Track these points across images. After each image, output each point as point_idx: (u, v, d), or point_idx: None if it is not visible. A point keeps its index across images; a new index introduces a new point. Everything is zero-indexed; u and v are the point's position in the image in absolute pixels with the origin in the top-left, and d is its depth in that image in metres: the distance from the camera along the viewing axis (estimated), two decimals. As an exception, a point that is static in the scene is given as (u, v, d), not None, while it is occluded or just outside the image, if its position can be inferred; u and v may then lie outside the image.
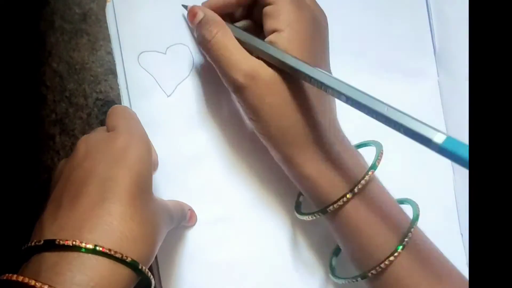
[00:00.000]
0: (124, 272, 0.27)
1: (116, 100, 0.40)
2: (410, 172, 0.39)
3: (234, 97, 0.35)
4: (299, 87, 0.32)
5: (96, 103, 0.40)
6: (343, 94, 0.28)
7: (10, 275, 0.26)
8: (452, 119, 0.40)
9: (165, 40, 0.38)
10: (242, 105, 0.33)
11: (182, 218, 0.36)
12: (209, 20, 0.34)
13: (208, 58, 0.34)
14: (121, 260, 0.27)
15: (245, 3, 0.34)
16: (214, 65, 0.33)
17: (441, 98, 0.40)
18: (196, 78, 0.39)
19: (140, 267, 0.28)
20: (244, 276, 0.38)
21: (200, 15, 0.34)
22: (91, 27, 0.40)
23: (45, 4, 0.40)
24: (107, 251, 0.27)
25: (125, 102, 0.38)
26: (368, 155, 0.35)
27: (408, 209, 0.34)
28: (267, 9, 0.32)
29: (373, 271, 0.32)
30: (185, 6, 0.37)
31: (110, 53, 0.40)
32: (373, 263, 0.32)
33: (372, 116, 0.28)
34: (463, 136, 0.39)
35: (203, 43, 0.33)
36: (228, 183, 0.39)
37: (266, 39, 0.32)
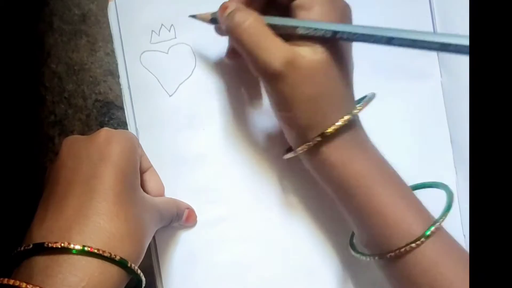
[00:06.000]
0: (113, 270, 0.28)
1: (115, 101, 0.40)
2: (412, 173, 0.39)
3: (264, 87, 0.33)
4: (341, 76, 0.31)
5: (95, 104, 0.40)
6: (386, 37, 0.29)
7: (1, 279, 0.26)
8: (454, 119, 0.39)
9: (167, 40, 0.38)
10: (275, 95, 0.32)
11: (177, 216, 0.36)
12: (241, 9, 0.32)
13: (237, 46, 0.32)
14: (109, 259, 0.28)
15: None
16: (245, 54, 0.31)
17: (444, 99, 0.40)
18: (198, 77, 0.38)
19: (129, 265, 0.28)
20: (244, 276, 0.38)
21: (231, 7, 0.32)
22: (90, 28, 0.40)
23: (44, 5, 0.40)
24: (96, 250, 0.27)
25: (127, 102, 0.38)
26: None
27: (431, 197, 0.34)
28: (298, 2, 0.31)
29: (392, 254, 0.31)
30: (193, 16, 0.37)
31: (109, 54, 0.40)
32: (393, 240, 0.31)
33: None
34: (465, 136, 0.39)
35: (235, 28, 0.31)
36: (229, 183, 0.39)
37: (296, 8, 0.31)
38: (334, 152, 0.32)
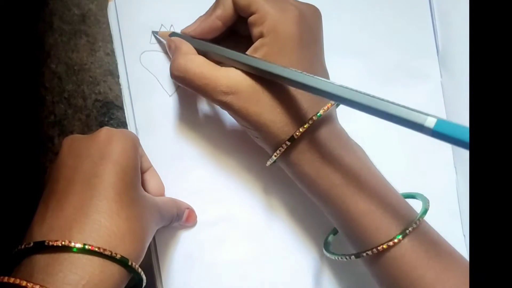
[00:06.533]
0: (114, 269, 0.28)
1: (115, 101, 0.40)
2: (412, 174, 0.39)
3: None
4: (284, 89, 0.32)
5: (95, 105, 0.40)
6: (326, 92, 0.28)
7: (2, 277, 0.27)
8: (455, 120, 0.39)
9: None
10: (232, 116, 0.34)
11: (177, 216, 0.36)
12: (172, 50, 0.35)
13: (185, 87, 0.34)
14: (110, 257, 0.28)
15: (231, 23, 0.34)
16: (193, 91, 0.34)
17: (444, 99, 0.40)
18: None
19: (130, 263, 0.28)
20: (244, 276, 0.38)
21: (171, 47, 0.35)
22: (90, 28, 0.40)
23: (44, 5, 0.40)
24: (96, 249, 0.27)
25: (126, 102, 0.38)
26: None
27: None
28: (251, 18, 0.32)
29: (369, 252, 0.31)
30: (155, 32, 0.38)
31: (109, 54, 0.40)
32: (371, 247, 0.31)
33: (362, 111, 0.28)
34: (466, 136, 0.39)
35: (175, 79, 0.34)
36: (228, 183, 0.39)
37: (251, 47, 0.32)
38: (307, 161, 0.32)
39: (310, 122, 0.31)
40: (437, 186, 0.39)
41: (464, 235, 0.39)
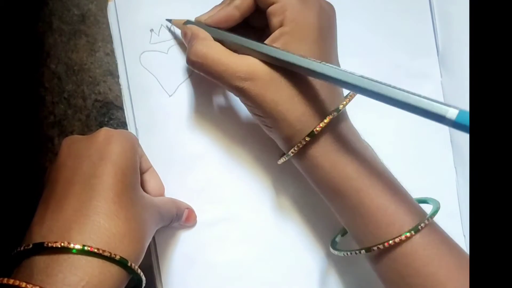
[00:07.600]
0: (113, 270, 0.28)
1: (115, 101, 0.40)
2: (412, 174, 0.39)
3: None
4: (303, 80, 0.32)
5: (94, 105, 0.40)
6: (348, 83, 0.28)
7: (1, 278, 0.27)
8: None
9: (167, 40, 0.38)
10: (248, 105, 0.33)
11: (177, 216, 0.36)
12: (189, 37, 0.34)
13: (201, 73, 0.34)
14: (109, 259, 0.28)
15: (248, 14, 0.34)
16: (210, 78, 0.33)
17: (444, 99, 0.40)
18: (197, 78, 0.38)
19: (129, 264, 0.28)
20: (244, 276, 0.38)
21: (187, 34, 0.35)
22: (89, 28, 0.40)
23: (43, 5, 0.40)
24: (95, 250, 0.27)
25: (126, 102, 0.38)
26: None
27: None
28: (271, 8, 0.32)
29: (380, 246, 0.31)
30: (169, 20, 0.38)
31: (109, 54, 0.40)
32: (382, 242, 0.31)
33: (383, 102, 0.27)
34: (465, 137, 0.39)
35: (193, 65, 0.33)
36: (228, 183, 0.39)
37: (270, 36, 0.32)
38: (322, 154, 0.32)
39: (334, 114, 0.31)
40: (437, 186, 0.39)
41: (464, 235, 0.39)
